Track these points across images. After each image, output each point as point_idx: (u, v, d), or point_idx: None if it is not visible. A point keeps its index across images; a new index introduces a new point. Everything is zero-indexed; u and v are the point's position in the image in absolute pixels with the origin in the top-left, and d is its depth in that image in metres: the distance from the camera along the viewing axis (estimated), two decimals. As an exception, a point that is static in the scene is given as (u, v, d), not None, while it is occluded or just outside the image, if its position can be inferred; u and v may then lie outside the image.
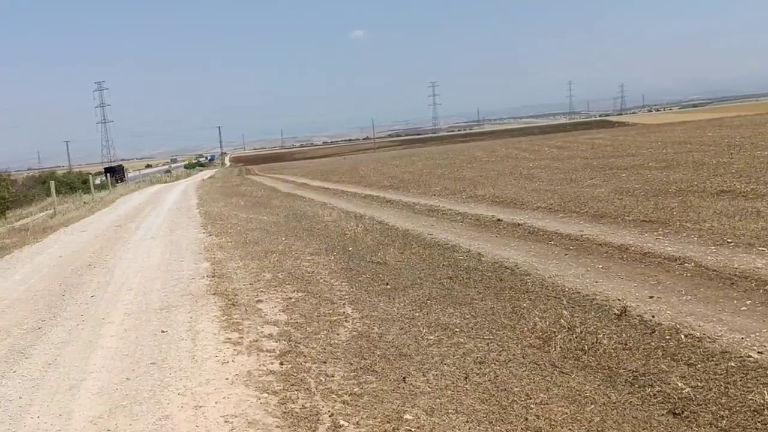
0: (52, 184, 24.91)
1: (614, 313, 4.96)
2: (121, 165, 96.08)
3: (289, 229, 11.38)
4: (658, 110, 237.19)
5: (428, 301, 5.75)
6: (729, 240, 6.87)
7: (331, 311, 5.68)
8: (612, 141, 30.28)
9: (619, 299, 5.29)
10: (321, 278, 7.09)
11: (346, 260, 7.97)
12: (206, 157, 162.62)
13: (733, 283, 5.47)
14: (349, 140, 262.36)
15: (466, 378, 3.95)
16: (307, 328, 5.19)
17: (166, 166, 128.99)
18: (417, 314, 5.38)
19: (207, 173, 64.54)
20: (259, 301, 6.25)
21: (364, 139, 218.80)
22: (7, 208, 32.67)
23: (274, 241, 9.98)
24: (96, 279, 8.35)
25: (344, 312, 5.62)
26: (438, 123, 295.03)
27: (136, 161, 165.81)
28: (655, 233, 7.74)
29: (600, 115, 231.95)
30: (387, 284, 6.56)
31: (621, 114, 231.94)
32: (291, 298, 6.25)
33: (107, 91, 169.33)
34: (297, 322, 5.38)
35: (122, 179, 71.81)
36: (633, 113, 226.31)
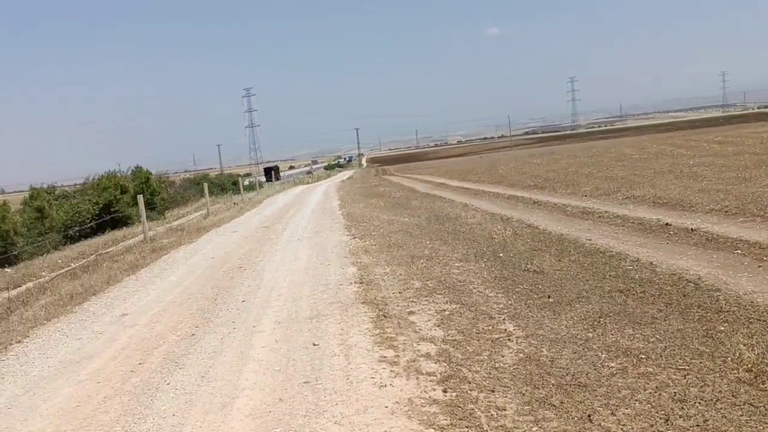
0: (206, 186, 26.27)
1: None
2: (276, 165, 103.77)
3: (432, 232, 10.99)
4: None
5: (601, 319, 5.09)
6: None
7: (490, 327, 5.17)
8: (784, 134, 27.29)
9: None
10: (474, 288, 6.59)
11: (499, 268, 7.42)
12: (344, 158, 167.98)
13: None
14: (484, 138, 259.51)
15: (666, 420, 3.31)
16: (467, 348, 4.71)
17: (308, 168, 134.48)
18: (590, 335, 4.75)
19: (345, 174, 66.00)
20: (411, 312, 5.86)
21: (499, 137, 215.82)
22: (166, 208, 35.15)
23: (419, 245, 9.62)
24: (246, 282, 8.39)
25: (505, 329, 5.10)
26: (577, 119, 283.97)
27: (280, 163, 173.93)
28: None
29: (759, 107, 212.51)
30: (548, 297, 5.95)
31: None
32: (445, 311, 5.80)
33: (254, 97, 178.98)
34: (455, 340, 4.92)
35: (278, 178, 78.24)
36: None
